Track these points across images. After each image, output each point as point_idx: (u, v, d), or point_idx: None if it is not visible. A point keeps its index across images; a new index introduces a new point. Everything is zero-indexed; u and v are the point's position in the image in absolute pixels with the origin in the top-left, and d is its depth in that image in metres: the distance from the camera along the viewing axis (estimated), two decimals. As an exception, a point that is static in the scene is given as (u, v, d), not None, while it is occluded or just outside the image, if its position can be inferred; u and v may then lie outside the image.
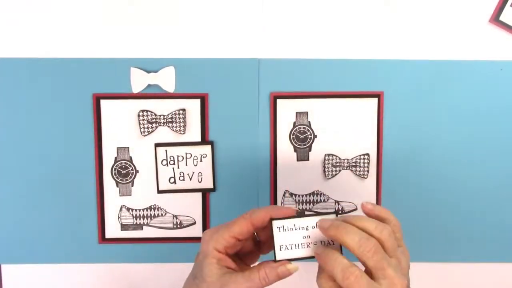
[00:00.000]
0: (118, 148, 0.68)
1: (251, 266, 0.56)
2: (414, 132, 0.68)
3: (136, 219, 0.69)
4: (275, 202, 0.68)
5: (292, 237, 0.51)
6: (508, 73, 0.67)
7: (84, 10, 0.66)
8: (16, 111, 0.66)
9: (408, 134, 0.68)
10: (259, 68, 0.66)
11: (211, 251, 0.52)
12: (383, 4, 0.66)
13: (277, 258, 0.51)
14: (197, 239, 0.69)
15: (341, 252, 0.51)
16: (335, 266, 0.48)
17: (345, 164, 0.68)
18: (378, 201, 0.69)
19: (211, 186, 0.68)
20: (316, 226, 0.51)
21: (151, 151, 0.68)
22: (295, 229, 0.51)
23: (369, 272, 0.48)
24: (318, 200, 0.69)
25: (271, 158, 0.68)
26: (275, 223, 0.51)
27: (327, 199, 0.69)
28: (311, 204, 0.69)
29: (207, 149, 0.68)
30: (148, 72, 0.66)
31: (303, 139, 0.68)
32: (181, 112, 0.67)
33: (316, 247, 0.51)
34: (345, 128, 0.67)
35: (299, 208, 0.69)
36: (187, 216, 0.69)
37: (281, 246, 0.51)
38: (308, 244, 0.51)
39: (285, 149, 0.68)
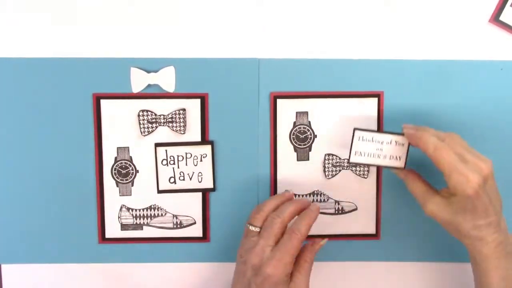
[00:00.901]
0: (118, 148, 0.68)
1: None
2: (414, 132, 0.68)
3: (136, 219, 0.69)
4: (275, 202, 0.69)
5: (367, 147, 0.62)
6: (508, 73, 0.67)
7: (84, 10, 0.66)
8: (16, 111, 0.66)
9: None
10: (259, 68, 0.67)
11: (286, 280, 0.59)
12: (383, 4, 0.66)
13: (350, 160, 0.63)
14: (197, 239, 0.69)
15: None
16: (428, 140, 0.57)
17: (345, 164, 0.68)
18: (378, 201, 0.69)
19: (211, 186, 0.68)
20: (391, 143, 0.61)
21: (151, 151, 0.68)
22: (372, 141, 0.62)
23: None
24: (318, 200, 0.69)
25: (271, 158, 0.68)
26: (357, 133, 0.62)
27: (327, 199, 0.69)
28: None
29: (207, 149, 0.68)
30: (148, 72, 0.66)
31: (303, 139, 0.68)
32: (181, 112, 0.67)
33: (407, 128, 0.60)
34: (345, 128, 0.67)
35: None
36: (187, 216, 0.69)
37: (356, 152, 0.62)
38: (378, 155, 0.62)
39: (285, 149, 0.68)
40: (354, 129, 0.62)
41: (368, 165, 0.63)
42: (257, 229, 0.60)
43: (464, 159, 0.56)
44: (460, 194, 0.55)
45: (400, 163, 0.62)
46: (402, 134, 0.61)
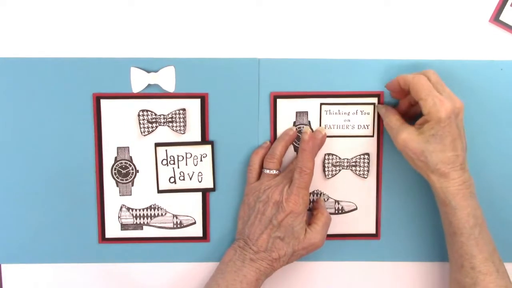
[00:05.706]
0: (118, 148, 0.68)
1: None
2: (414, 132, 0.67)
3: (136, 219, 0.69)
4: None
5: (336, 119, 0.66)
6: (508, 73, 0.67)
7: (84, 10, 0.66)
8: (16, 111, 0.66)
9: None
10: (259, 68, 0.67)
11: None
12: (383, 4, 0.66)
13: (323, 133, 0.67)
14: (197, 238, 0.69)
15: None
16: (408, 75, 0.61)
17: (345, 164, 0.68)
18: (378, 201, 0.69)
19: (211, 186, 0.68)
20: (356, 113, 0.66)
21: (151, 150, 0.68)
22: (339, 114, 0.66)
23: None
24: (318, 200, 0.69)
25: (271, 158, 0.68)
26: (324, 107, 0.65)
27: (327, 199, 0.69)
28: (311, 203, 0.69)
29: (207, 149, 0.68)
30: (148, 72, 0.66)
31: (303, 139, 0.68)
32: (181, 112, 0.67)
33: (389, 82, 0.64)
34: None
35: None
36: (187, 216, 0.69)
37: (326, 125, 0.66)
38: (347, 126, 0.66)
39: (285, 149, 0.68)
40: (321, 104, 0.65)
41: (337, 137, 0.66)
42: (274, 172, 0.65)
43: (439, 90, 0.60)
44: (433, 117, 0.58)
45: (368, 131, 0.66)
46: (367, 103, 0.66)
